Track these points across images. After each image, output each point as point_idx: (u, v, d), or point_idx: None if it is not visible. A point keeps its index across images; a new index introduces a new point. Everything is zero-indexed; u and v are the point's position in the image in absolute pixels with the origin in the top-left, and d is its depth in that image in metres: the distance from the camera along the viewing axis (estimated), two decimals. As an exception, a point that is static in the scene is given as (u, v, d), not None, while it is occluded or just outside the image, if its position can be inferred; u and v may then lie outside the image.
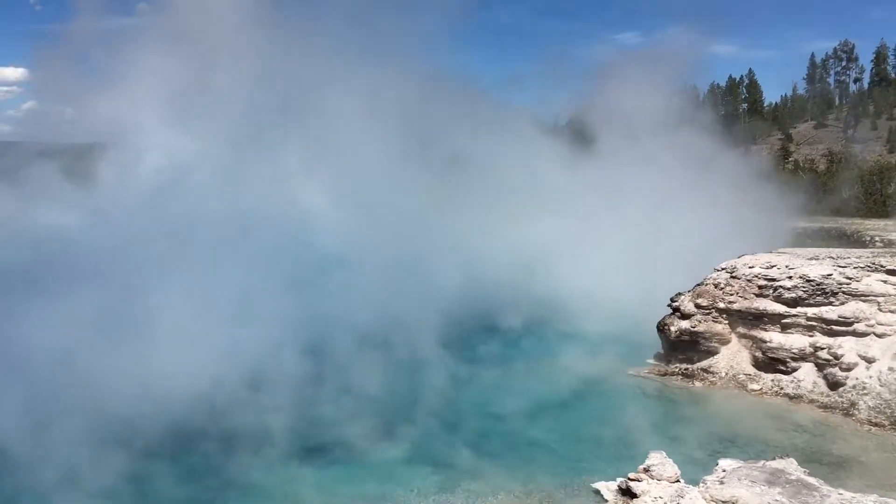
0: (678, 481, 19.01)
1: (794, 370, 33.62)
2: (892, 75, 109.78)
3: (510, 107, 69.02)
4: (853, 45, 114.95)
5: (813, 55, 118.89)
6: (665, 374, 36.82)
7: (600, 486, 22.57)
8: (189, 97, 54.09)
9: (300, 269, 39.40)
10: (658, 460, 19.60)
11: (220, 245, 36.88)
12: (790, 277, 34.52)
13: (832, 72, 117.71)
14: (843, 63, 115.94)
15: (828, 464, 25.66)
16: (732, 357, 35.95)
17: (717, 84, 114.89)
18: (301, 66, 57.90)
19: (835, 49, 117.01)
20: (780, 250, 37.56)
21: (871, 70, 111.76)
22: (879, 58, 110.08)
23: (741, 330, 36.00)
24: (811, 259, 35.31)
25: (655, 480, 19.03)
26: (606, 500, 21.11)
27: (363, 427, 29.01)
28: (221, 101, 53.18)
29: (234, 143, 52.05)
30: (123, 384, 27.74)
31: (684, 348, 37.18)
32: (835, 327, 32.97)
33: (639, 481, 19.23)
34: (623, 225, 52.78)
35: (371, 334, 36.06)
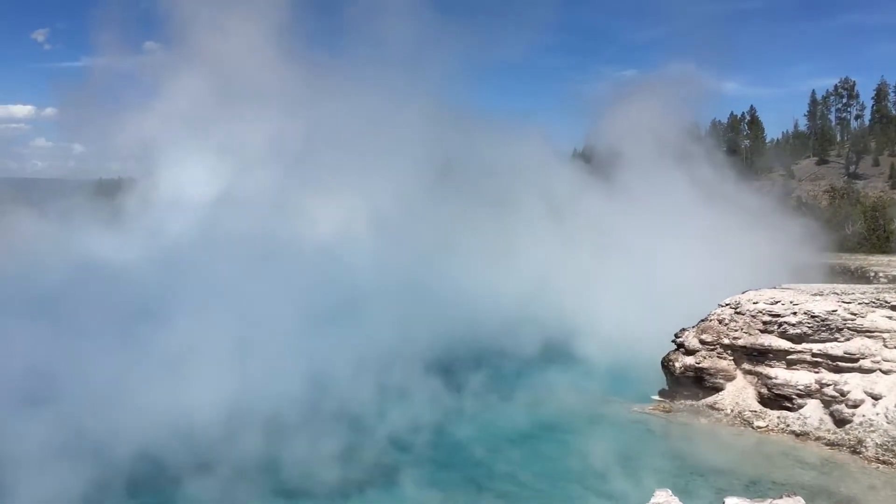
0: (685, 519, 18.82)
1: (801, 407, 33.42)
2: (893, 112, 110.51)
3: (530, 135, 69.71)
4: (854, 82, 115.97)
5: (814, 92, 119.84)
6: (670, 411, 36.60)
7: (606, 523, 22.37)
8: (221, 127, 55.67)
9: (329, 299, 40.12)
10: (664, 498, 19.36)
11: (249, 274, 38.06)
12: (795, 313, 34.49)
13: (833, 108, 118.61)
14: (844, 100, 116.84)
15: (836, 502, 25.46)
16: (738, 393, 35.76)
17: (719, 120, 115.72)
18: (330, 97, 59.66)
19: (835, 86, 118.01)
20: (784, 286, 37.55)
21: (872, 107, 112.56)
22: (880, 95, 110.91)
23: (746, 366, 35.87)
24: (815, 295, 35.29)
25: (662, 518, 18.83)
26: (612, 539, 20.90)
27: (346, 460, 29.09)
28: (251, 132, 54.58)
29: (269, 172, 53.41)
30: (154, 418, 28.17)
31: (689, 384, 37.02)
32: (840, 363, 32.86)
33: (645, 519, 19.04)
34: (629, 257, 53.17)
35: (376, 361, 36.51)
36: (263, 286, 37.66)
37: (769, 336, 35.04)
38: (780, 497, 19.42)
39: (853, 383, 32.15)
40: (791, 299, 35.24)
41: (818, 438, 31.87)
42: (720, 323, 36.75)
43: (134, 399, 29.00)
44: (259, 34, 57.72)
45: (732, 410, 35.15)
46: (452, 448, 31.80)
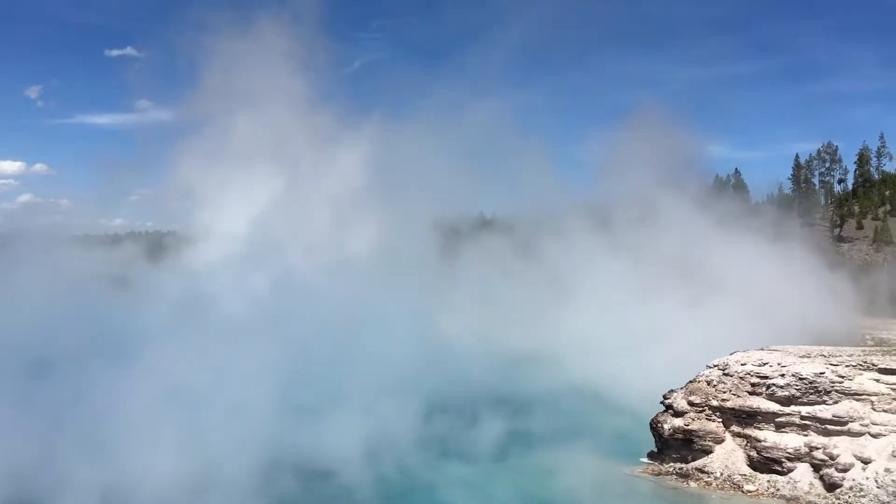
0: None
1: (790, 470, 33.12)
2: (875, 177, 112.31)
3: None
4: (836, 146, 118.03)
5: (797, 156, 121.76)
6: (659, 474, 36.17)
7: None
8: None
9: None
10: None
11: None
12: (783, 375, 34.46)
13: (816, 172, 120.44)
14: (827, 164, 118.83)
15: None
16: (727, 456, 35.42)
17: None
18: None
19: (818, 150, 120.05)
20: (772, 347, 37.57)
21: (855, 171, 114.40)
22: (862, 159, 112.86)
23: (735, 428, 35.63)
24: (803, 357, 35.32)
25: (651, 585, 18.52)
26: None
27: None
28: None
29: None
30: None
31: (678, 447, 36.67)
32: (829, 426, 32.73)
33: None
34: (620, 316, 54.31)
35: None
36: None
37: (757, 398, 34.92)
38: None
39: (843, 447, 31.96)
40: (779, 361, 35.25)
41: (809, 503, 31.52)
42: (708, 384, 36.61)
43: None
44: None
45: (722, 474, 34.76)
46: None
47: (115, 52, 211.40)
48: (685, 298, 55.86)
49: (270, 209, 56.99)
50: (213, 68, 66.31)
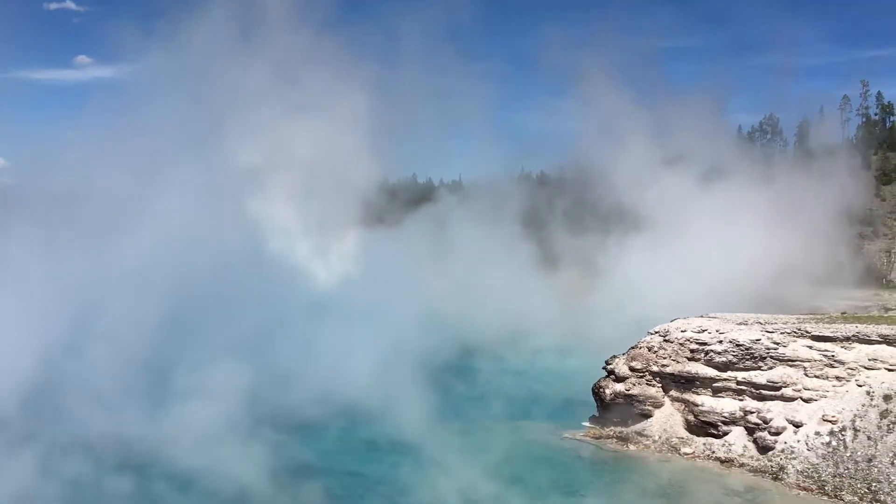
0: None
1: (726, 434, 34.05)
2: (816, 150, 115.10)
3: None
4: (778, 118, 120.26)
5: (740, 127, 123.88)
6: (600, 437, 36.85)
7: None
8: None
9: None
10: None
11: None
12: (721, 342, 35.25)
13: (758, 143, 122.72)
14: (769, 136, 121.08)
15: (758, 529, 25.87)
16: (666, 420, 36.24)
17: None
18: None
19: (760, 122, 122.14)
20: (711, 314, 38.37)
21: (794, 143, 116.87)
22: (802, 131, 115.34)
23: (674, 393, 36.44)
24: (741, 324, 36.16)
25: (590, 547, 18.83)
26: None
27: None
28: None
29: None
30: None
31: (619, 411, 37.38)
32: (763, 391, 33.66)
33: (573, 547, 19.00)
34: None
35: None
36: None
37: (696, 364, 35.71)
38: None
39: (776, 411, 32.93)
40: (717, 328, 36.03)
41: (742, 465, 32.48)
42: (649, 350, 37.29)
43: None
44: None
45: (660, 437, 35.58)
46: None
47: (53, 6, 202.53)
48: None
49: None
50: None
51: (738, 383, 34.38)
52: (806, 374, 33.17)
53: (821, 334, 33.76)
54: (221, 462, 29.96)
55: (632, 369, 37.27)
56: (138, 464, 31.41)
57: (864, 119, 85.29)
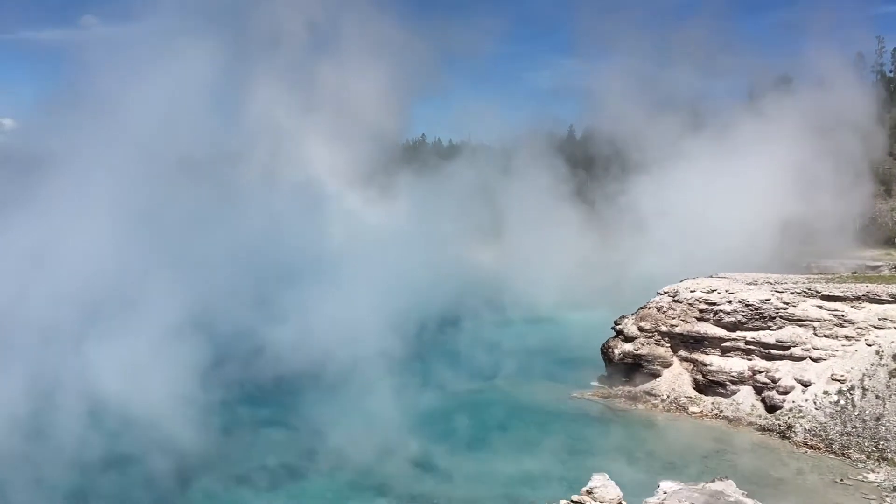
0: (621, 503, 19.03)
1: (734, 393, 34.20)
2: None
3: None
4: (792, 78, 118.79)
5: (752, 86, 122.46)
6: (608, 397, 37.09)
7: (544, 508, 22.44)
8: None
9: None
10: (601, 482, 19.59)
11: None
12: (730, 302, 35.23)
13: (770, 101, 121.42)
14: (782, 91, 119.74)
15: (766, 486, 26.04)
16: (674, 380, 36.42)
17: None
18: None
19: (773, 80, 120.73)
20: (721, 274, 38.28)
21: (808, 100, 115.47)
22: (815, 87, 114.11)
23: (683, 353, 36.54)
24: (750, 284, 36.08)
25: (598, 502, 19.01)
26: (550, 523, 20.98)
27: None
28: None
29: None
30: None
31: (627, 371, 37.57)
32: (772, 351, 33.70)
33: (582, 503, 19.18)
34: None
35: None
36: None
37: (705, 324, 35.75)
38: (713, 481, 19.81)
39: (784, 370, 33.01)
40: (727, 288, 35.98)
41: (750, 424, 32.66)
42: (658, 310, 37.34)
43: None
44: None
45: (669, 396, 35.79)
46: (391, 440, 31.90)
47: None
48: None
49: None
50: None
51: (747, 343, 34.44)
52: (815, 334, 33.16)
53: (831, 294, 33.66)
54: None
55: (641, 329, 37.35)
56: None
57: (878, 76, 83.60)
